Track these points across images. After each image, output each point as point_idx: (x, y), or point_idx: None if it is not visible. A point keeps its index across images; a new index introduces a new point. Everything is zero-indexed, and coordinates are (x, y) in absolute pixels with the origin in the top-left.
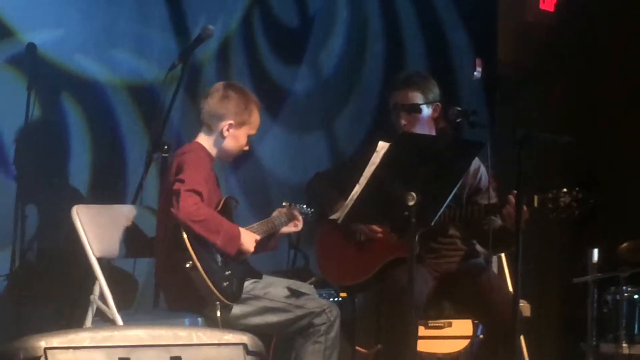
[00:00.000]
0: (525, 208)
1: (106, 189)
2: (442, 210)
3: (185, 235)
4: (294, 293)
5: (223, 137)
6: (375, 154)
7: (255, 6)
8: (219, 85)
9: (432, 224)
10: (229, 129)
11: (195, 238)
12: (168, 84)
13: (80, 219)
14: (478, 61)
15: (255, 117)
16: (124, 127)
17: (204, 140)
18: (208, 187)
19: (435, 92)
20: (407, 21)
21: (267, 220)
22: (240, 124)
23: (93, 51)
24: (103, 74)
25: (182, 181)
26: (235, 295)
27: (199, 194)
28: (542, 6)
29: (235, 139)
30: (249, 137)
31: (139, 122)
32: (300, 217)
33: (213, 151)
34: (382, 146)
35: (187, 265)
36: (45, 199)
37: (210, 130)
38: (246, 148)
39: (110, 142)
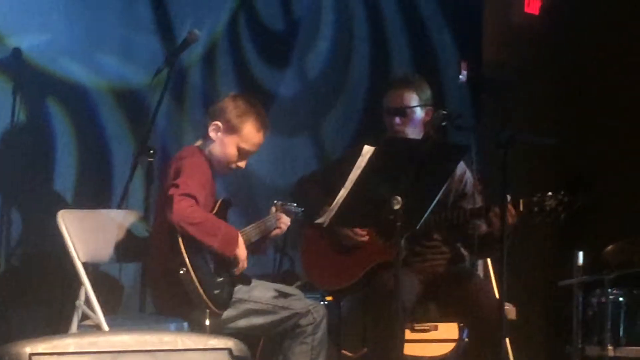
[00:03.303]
0: (513, 211)
1: (92, 194)
2: (427, 214)
3: (180, 241)
4: (279, 294)
5: (210, 140)
6: (360, 158)
7: (240, 10)
8: (234, 93)
9: (418, 227)
10: (216, 132)
11: (190, 244)
12: (154, 88)
13: (65, 224)
14: (463, 64)
15: (249, 130)
16: (109, 132)
17: (201, 144)
18: (205, 191)
19: (428, 94)
20: (393, 24)
21: (260, 223)
22: (228, 130)
23: (79, 55)
24: (89, 78)
25: (177, 186)
26: (225, 303)
27: (193, 197)
28: (526, 9)
29: (222, 145)
30: (243, 151)
31: (124, 127)
32: (283, 219)
33: (208, 156)
34: (368, 150)
35: (181, 272)
36: (31, 204)
37: (205, 133)
38: (239, 164)
39: (96, 146)
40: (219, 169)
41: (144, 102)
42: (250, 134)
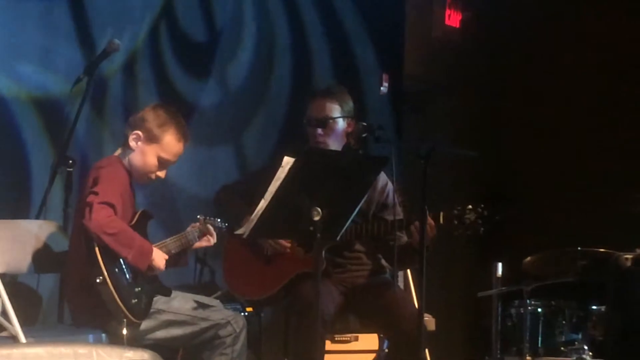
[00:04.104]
0: (433, 224)
1: (9, 204)
2: (347, 225)
3: (97, 250)
4: (199, 305)
5: (130, 149)
6: (280, 169)
7: (162, 20)
8: (155, 103)
9: (338, 239)
10: (137, 141)
11: (106, 254)
12: (73, 98)
13: None
14: (385, 76)
15: (169, 140)
16: (28, 141)
17: (121, 154)
18: (123, 201)
19: (351, 106)
20: (315, 36)
21: (180, 236)
22: (149, 139)
23: None
24: (7, 87)
25: (96, 193)
26: (143, 313)
27: (112, 206)
28: (447, 22)
29: (142, 155)
30: (163, 161)
31: (43, 136)
32: (213, 232)
33: (127, 165)
34: (287, 161)
35: (98, 281)
36: None
37: (125, 142)
38: (159, 174)
39: (14, 156)
40: (138, 179)
41: (63, 111)
42: (171, 143)
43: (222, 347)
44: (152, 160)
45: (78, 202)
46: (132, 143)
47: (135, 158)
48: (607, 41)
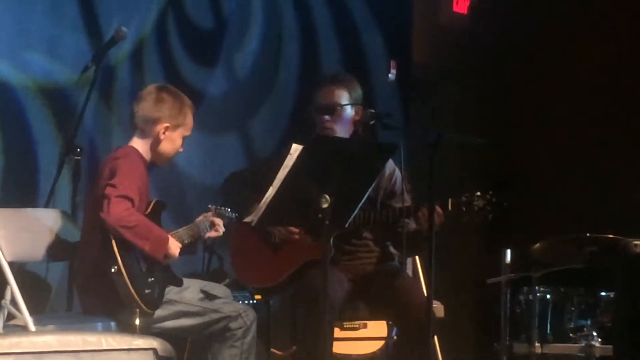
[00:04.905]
0: (440, 211)
1: (18, 192)
2: (355, 212)
3: (113, 241)
4: (209, 296)
5: (159, 141)
6: (288, 157)
7: (169, 8)
8: (152, 88)
9: (346, 226)
10: (165, 132)
11: (122, 244)
12: (81, 86)
13: None
14: (393, 63)
15: (190, 119)
16: (36, 130)
17: (138, 144)
18: (140, 192)
19: (359, 93)
20: (322, 23)
21: (192, 225)
22: (175, 127)
23: (5, 53)
24: (15, 76)
25: (113, 186)
26: (156, 303)
27: (130, 200)
28: (455, 9)
29: (172, 141)
30: (184, 138)
31: (51, 125)
32: (220, 222)
33: (148, 155)
34: (296, 149)
35: (113, 270)
36: None
37: (144, 134)
38: (181, 150)
39: (22, 144)
40: (163, 162)
41: (71, 100)
42: (191, 120)
43: (232, 339)
44: (179, 142)
45: (92, 191)
46: (161, 136)
47: (166, 147)
48: (614, 33)
